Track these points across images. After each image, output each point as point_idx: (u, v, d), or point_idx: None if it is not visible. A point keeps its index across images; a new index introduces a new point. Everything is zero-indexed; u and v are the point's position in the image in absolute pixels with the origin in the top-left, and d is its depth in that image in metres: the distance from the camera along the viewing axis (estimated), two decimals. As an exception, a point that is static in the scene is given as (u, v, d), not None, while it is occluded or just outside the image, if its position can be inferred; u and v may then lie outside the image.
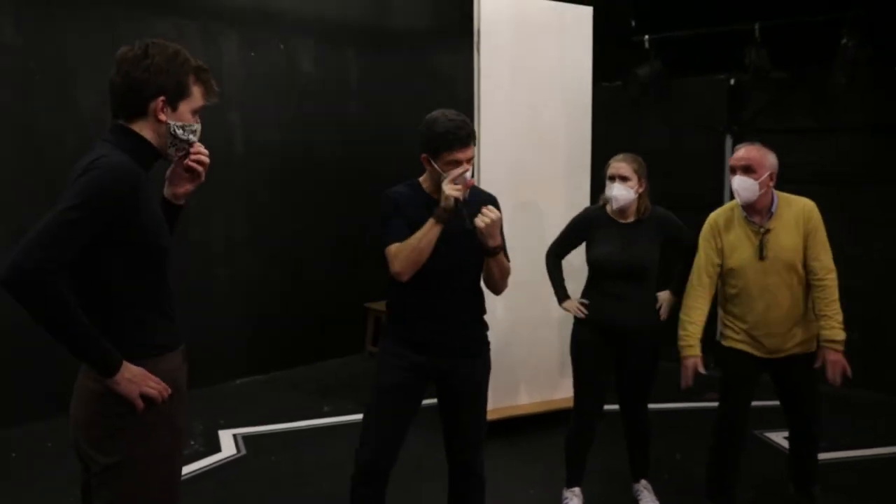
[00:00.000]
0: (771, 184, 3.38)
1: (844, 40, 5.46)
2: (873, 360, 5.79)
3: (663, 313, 3.69)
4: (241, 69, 6.02)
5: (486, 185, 4.75)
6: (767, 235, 3.37)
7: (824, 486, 3.89)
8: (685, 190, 6.05)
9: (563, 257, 3.87)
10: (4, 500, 3.91)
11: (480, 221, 2.70)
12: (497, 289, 3.00)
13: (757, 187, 3.32)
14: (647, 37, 6.44)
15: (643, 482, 3.95)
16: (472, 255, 2.84)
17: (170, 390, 2.06)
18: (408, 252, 2.74)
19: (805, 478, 3.80)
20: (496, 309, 4.95)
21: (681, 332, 3.51)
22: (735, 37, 6.02)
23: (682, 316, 3.54)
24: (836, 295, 3.37)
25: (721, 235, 3.48)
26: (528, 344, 5.12)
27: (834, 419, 4.74)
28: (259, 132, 6.12)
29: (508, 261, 2.97)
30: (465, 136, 2.77)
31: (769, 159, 3.38)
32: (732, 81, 6.37)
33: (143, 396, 2.01)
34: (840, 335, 3.33)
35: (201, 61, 2.15)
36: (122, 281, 2.01)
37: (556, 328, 5.20)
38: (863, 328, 5.74)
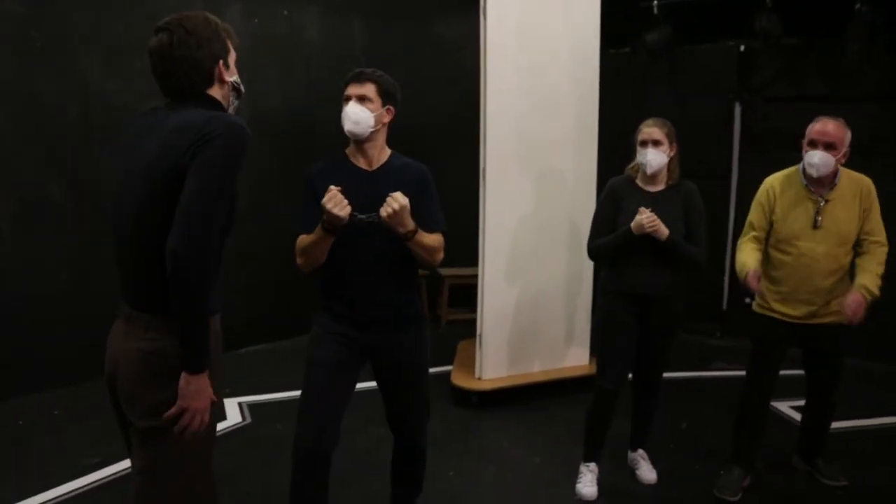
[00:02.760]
0: (843, 161, 3.44)
1: (858, 5, 5.37)
2: (892, 330, 5.77)
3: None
4: (244, 37, 5.89)
5: (492, 154, 4.76)
6: (825, 206, 3.43)
7: (836, 453, 3.91)
8: (693, 157, 5.97)
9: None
10: (12, 467, 3.93)
11: (384, 212, 2.61)
12: (429, 266, 2.88)
13: (834, 163, 3.38)
14: (655, 2, 6.34)
15: (640, 451, 3.95)
16: (391, 232, 2.72)
17: (205, 422, 2.08)
18: (306, 255, 2.77)
19: (813, 449, 3.86)
20: (502, 277, 4.95)
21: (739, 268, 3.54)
22: (745, 2, 5.92)
23: (737, 271, 3.56)
24: (884, 256, 3.46)
25: (776, 201, 3.54)
26: (536, 312, 5.11)
27: (854, 390, 4.74)
28: (262, 101, 6.05)
29: (440, 229, 2.86)
30: (356, 73, 2.85)
31: (848, 136, 3.43)
32: (742, 48, 6.28)
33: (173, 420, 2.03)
34: (874, 287, 3.36)
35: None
36: None
37: (563, 296, 5.20)
38: (877, 302, 5.72)
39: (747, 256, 3.54)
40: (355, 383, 2.93)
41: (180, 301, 1.96)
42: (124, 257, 2.13)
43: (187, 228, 1.92)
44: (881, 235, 3.49)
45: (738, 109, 6.50)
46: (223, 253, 2.18)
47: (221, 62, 2.19)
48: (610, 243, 3.54)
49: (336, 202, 2.57)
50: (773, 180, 3.61)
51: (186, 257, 1.91)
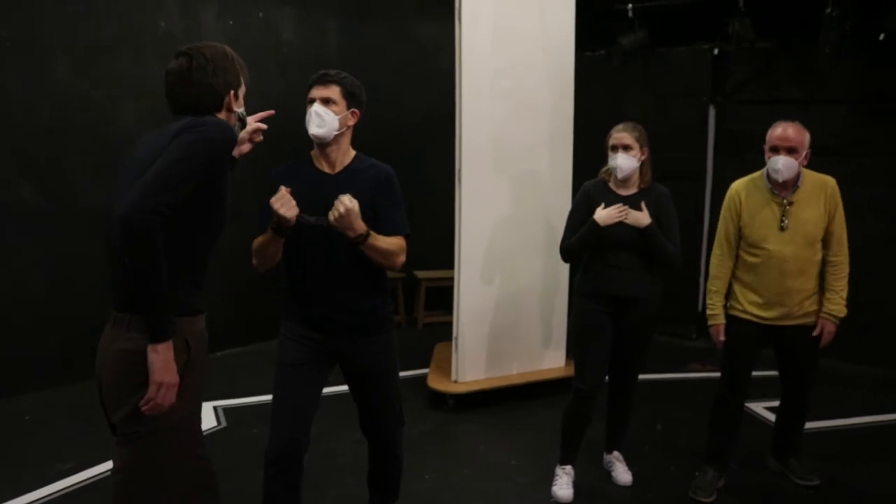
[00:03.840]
0: (805, 162, 3.49)
1: (829, 10, 5.43)
2: (863, 332, 5.84)
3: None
4: (219, 38, 5.89)
5: (468, 156, 4.76)
6: (790, 208, 3.47)
7: (806, 453, 3.94)
8: (668, 159, 6.03)
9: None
10: (-18, 475, 3.88)
11: (331, 215, 2.59)
12: (388, 268, 2.81)
13: (797, 166, 3.43)
14: (630, 5, 6.38)
15: (615, 453, 3.97)
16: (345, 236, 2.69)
17: (172, 402, 2.10)
18: (258, 255, 2.74)
19: (787, 449, 3.89)
20: (478, 279, 4.95)
21: (708, 302, 3.68)
22: (719, 6, 5.98)
23: (708, 286, 3.70)
24: (846, 272, 3.55)
25: (742, 206, 3.58)
26: (512, 315, 5.11)
27: (828, 391, 4.79)
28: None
29: (402, 233, 2.78)
30: (321, 75, 2.83)
31: (807, 138, 3.47)
32: (716, 51, 6.34)
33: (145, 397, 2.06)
34: (841, 311, 3.53)
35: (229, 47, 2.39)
36: (189, 238, 2.15)
37: (540, 298, 5.20)
38: (849, 300, 5.79)
39: (715, 297, 3.64)
40: (323, 386, 2.90)
41: (131, 267, 1.98)
42: (112, 260, 2.16)
43: (135, 195, 1.96)
44: (844, 239, 3.54)
45: (712, 112, 6.56)
46: (207, 254, 2.25)
47: (233, 92, 2.33)
48: (577, 240, 3.58)
49: (283, 202, 2.56)
50: (738, 185, 3.65)
51: (129, 218, 1.93)
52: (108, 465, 3.87)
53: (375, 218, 2.71)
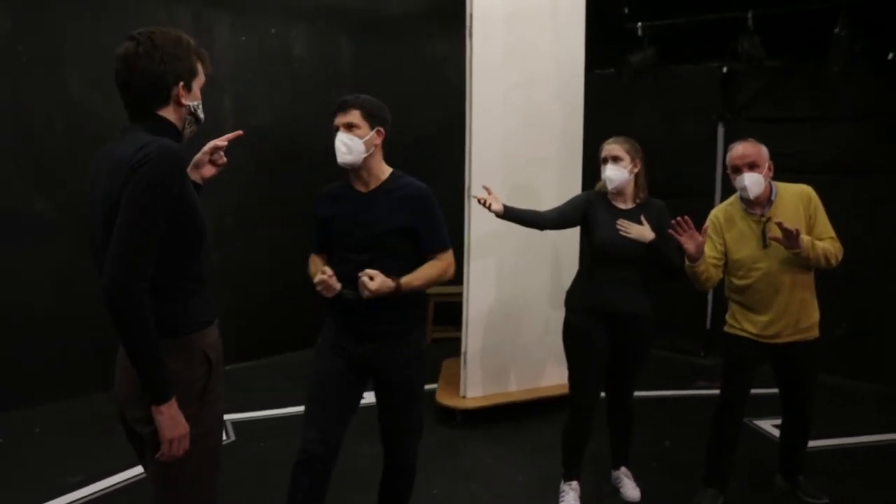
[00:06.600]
0: (770, 175, 3.50)
1: (838, 29, 5.45)
2: (871, 349, 5.82)
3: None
4: (232, 54, 5.97)
5: (477, 172, 4.78)
6: (769, 224, 3.45)
7: (815, 471, 3.93)
8: (677, 177, 6.06)
9: (547, 224, 3.80)
10: (-7, 486, 3.90)
11: (363, 294, 2.72)
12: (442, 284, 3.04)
13: (763, 180, 3.45)
14: (640, 24, 6.41)
15: (623, 469, 3.97)
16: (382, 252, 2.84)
17: (187, 448, 2.10)
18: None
19: (793, 466, 3.88)
20: (487, 296, 4.97)
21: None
22: (728, 25, 6.00)
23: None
24: (828, 249, 3.39)
25: (723, 232, 3.58)
26: (521, 331, 5.12)
27: (831, 408, 4.78)
28: (251, 117, 6.05)
29: (443, 248, 2.96)
30: (340, 102, 2.89)
31: (765, 152, 3.50)
32: (725, 69, 6.36)
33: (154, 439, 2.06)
34: (807, 244, 3.31)
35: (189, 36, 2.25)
36: (171, 257, 2.07)
37: (548, 315, 5.20)
38: (857, 317, 5.78)
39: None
40: (358, 393, 2.97)
41: (122, 338, 1.98)
42: None
43: (111, 266, 1.93)
44: (831, 234, 3.47)
45: (721, 130, 6.57)
46: (204, 268, 2.20)
47: (182, 84, 2.16)
48: (527, 218, 3.78)
49: (324, 287, 2.75)
50: (717, 212, 3.67)
51: (113, 296, 1.93)
52: (118, 477, 3.93)
53: (416, 236, 2.84)
